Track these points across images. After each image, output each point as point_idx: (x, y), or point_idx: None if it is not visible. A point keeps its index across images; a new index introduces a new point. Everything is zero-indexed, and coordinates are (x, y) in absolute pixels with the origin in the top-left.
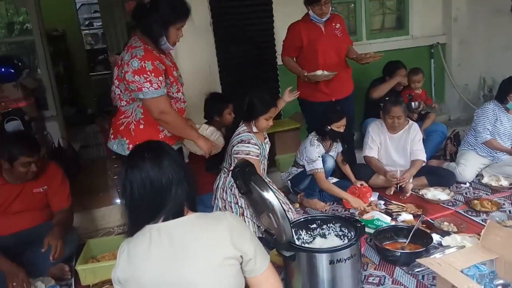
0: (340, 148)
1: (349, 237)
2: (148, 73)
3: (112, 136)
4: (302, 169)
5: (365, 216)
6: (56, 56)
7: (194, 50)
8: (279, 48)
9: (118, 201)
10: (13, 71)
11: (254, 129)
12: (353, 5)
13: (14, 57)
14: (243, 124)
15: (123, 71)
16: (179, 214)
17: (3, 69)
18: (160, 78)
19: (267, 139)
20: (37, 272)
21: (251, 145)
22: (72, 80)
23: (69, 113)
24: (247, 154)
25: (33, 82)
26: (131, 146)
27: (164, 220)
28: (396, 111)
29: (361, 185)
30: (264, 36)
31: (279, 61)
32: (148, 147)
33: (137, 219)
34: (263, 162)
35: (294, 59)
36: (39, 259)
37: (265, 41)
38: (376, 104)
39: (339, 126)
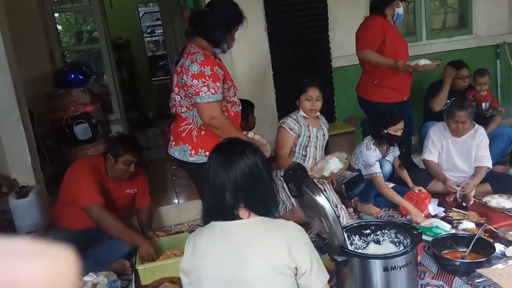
0: (397, 153)
1: (405, 244)
2: (207, 77)
3: (173, 143)
4: (357, 173)
5: (423, 223)
6: (121, 62)
7: (249, 55)
8: (334, 50)
9: (176, 201)
10: (81, 77)
11: (301, 113)
12: (412, 4)
13: (82, 64)
14: (297, 110)
15: (183, 78)
16: (238, 216)
17: (72, 76)
18: (218, 83)
19: (323, 130)
20: (100, 267)
21: (289, 118)
22: (135, 85)
23: (132, 117)
24: (282, 124)
25: (99, 88)
26: (193, 152)
27: (228, 220)
28: (461, 116)
29: (419, 191)
30: (319, 39)
31: (334, 64)
32: (232, 147)
33: (208, 212)
34: (312, 148)
35: None
36: (104, 255)
37: (320, 44)
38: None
39: (396, 130)
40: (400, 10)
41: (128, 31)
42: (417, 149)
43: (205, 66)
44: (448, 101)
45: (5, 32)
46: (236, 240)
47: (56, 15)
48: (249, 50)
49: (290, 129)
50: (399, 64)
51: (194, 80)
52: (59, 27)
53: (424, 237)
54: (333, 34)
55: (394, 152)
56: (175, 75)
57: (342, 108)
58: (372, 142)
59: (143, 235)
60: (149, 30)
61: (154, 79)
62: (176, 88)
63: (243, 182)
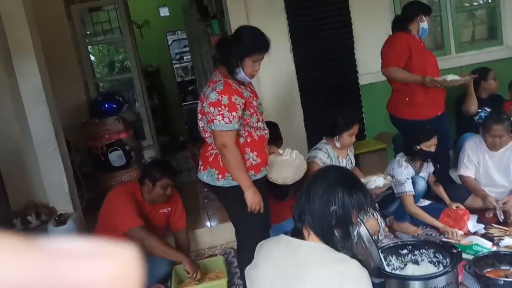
0: (432, 169)
1: (444, 264)
2: (223, 106)
3: (201, 168)
4: (391, 191)
5: (463, 242)
6: (151, 89)
7: (275, 76)
8: (360, 68)
9: (208, 224)
10: (115, 106)
11: (338, 145)
12: (439, 17)
13: (115, 93)
14: (325, 140)
15: (203, 105)
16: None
17: (106, 105)
18: (234, 113)
19: (350, 158)
20: None
21: (320, 152)
22: (165, 110)
23: (163, 142)
24: (314, 158)
25: (132, 115)
26: (220, 176)
27: (295, 235)
28: (497, 130)
29: (457, 207)
30: (345, 58)
31: (361, 81)
32: (324, 173)
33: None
34: None
35: None
36: None
37: (346, 62)
38: (470, 118)
39: (430, 146)
40: (424, 24)
41: (158, 59)
42: (454, 163)
43: (223, 95)
44: (480, 110)
45: (42, 66)
46: (296, 259)
47: (89, 47)
48: (275, 71)
49: (323, 163)
50: (427, 79)
51: (211, 107)
52: (92, 58)
53: (464, 255)
54: (358, 52)
55: (428, 168)
56: (199, 102)
57: (372, 125)
58: (404, 159)
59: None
60: (177, 57)
61: (184, 103)
62: (199, 114)
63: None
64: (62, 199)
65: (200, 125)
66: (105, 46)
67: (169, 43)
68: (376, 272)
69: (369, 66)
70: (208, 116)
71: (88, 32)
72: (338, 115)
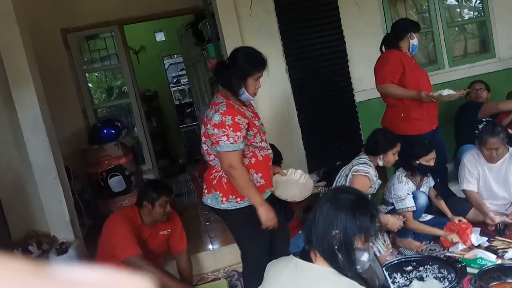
0: (432, 183)
1: (449, 279)
2: (227, 127)
3: (206, 191)
4: (392, 207)
5: (467, 256)
6: (150, 113)
7: (272, 97)
8: (356, 86)
9: (210, 247)
10: (114, 132)
11: (380, 163)
12: (430, 33)
13: (114, 118)
14: (366, 156)
15: (207, 127)
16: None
17: (105, 131)
18: (238, 133)
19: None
20: None
21: (371, 168)
22: (164, 134)
23: (163, 165)
24: (367, 173)
25: (131, 140)
26: (224, 199)
27: (304, 257)
28: (493, 143)
29: (459, 221)
30: (340, 76)
31: (358, 98)
32: (333, 195)
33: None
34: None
35: None
36: None
37: (341, 80)
38: (473, 128)
39: (429, 160)
40: (414, 41)
41: (155, 83)
42: (454, 176)
43: (226, 116)
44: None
45: (41, 95)
46: (304, 282)
47: (87, 74)
48: (272, 91)
49: (372, 181)
50: (422, 95)
51: (215, 129)
52: (90, 85)
53: (469, 269)
54: (353, 70)
55: (429, 183)
56: (202, 125)
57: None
58: (404, 175)
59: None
60: (174, 80)
61: (182, 126)
62: (203, 137)
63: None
64: (63, 228)
65: (204, 148)
66: (102, 73)
67: (166, 67)
68: None
69: (364, 83)
70: (212, 138)
71: (85, 60)
72: (381, 135)
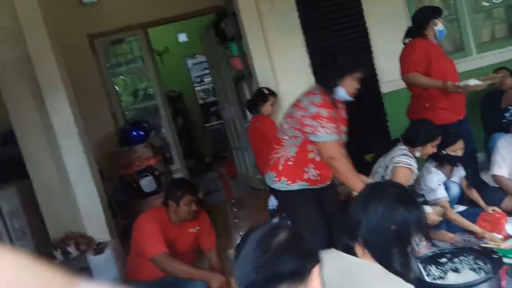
0: (463, 173)
1: (485, 270)
2: (323, 119)
3: (267, 170)
4: (423, 199)
5: (503, 246)
6: (175, 113)
7: (296, 92)
8: (381, 77)
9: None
10: (143, 133)
11: (418, 154)
12: (456, 21)
13: (142, 120)
14: (405, 147)
15: (298, 112)
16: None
17: (134, 133)
18: (333, 125)
19: None
20: None
21: (414, 161)
22: (190, 133)
23: (190, 164)
24: (410, 166)
25: (159, 141)
26: (276, 179)
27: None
28: None
29: (493, 211)
30: (365, 68)
31: (383, 89)
32: (382, 188)
33: None
34: None
35: None
36: None
37: (365, 72)
38: (500, 117)
39: (456, 150)
40: (439, 27)
41: (180, 83)
42: (485, 166)
43: (322, 108)
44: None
45: (72, 100)
46: (353, 278)
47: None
48: (295, 86)
49: (413, 172)
50: (448, 85)
51: (311, 120)
52: (117, 88)
53: (505, 260)
54: (378, 61)
55: (459, 173)
56: (294, 107)
57: (396, 132)
58: (433, 165)
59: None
60: (198, 80)
61: (207, 125)
62: (287, 118)
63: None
64: (99, 228)
65: (284, 126)
66: (128, 76)
67: (189, 67)
68: (416, 284)
69: (389, 74)
70: (307, 128)
71: (112, 64)
72: (421, 126)
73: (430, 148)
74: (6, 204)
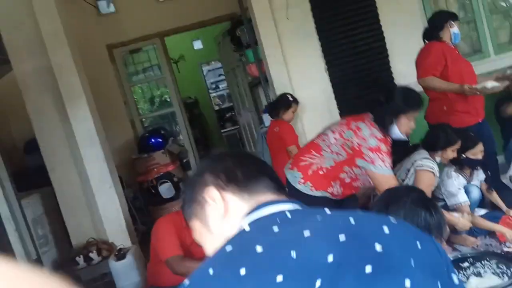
0: (483, 176)
1: (509, 275)
2: (383, 153)
3: (290, 166)
4: (443, 203)
5: None
6: (192, 120)
7: (313, 97)
8: (398, 80)
9: None
10: (161, 140)
11: (438, 160)
12: (473, 22)
13: (160, 128)
14: (426, 152)
15: (355, 139)
16: None
17: (153, 140)
18: (390, 160)
19: None
20: None
21: (435, 164)
22: (207, 139)
23: None
24: (432, 169)
25: (177, 147)
26: (302, 181)
27: None
28: None
29: None
30: (381, 72)
31: None
32: (402, 193)
33: None
34: None
35: None
36: None
37: (382, 76)
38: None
39: (476, 153)
40: (455, 29)
41: (195, 90)
42: (505, 169)
43: (382, 143)
44: None
45: (93, 110)
46: None
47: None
48: (312, 92)
49: (435, 179)
50: (466, 88)
51: (372, 152)
52: (135, 96)
53: None
54: (394, 64)
55: (479, 176)
56: (342, 126)
57: (415, 137)
58: (453, 169)
59: None
60: (213, 86)
61: (223, 130)
62: (337, 134)
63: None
64: (120, 235)
65: (330, 137)
66: (146, 84)
67: (204, 74)
68: None
69: (407, 77)
70: (366, 156)
71: (130, 72)
72: (440, 131)
73: (450, 153)
74: (30, 212)
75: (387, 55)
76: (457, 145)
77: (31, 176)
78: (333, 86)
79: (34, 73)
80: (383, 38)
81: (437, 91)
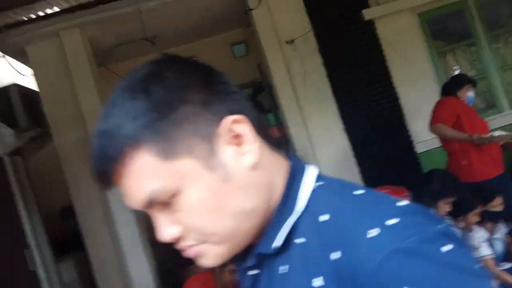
0: (506, 229)
1: None
2: None
3: None
4: None
5: None
6: None
7: (332, 156)
8: (415, 137)
9: None
10: None
11: (462, 225)
12: (485, 79)
13: None
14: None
15: None
16: None
17: None
18: None
19: None
20: None
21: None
22: None
23: None
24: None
25: None
26: None
27: None
28: None
29: None
30: (398, 131)
31: (419, 149)
32: None
33: None
34: None
35: None
36: None
37: (399, 134)
38: None
39: (495, 206)
40: (471, 93)
41: None
42: None
43: None
44: None
45: None
46: None
47: None
48: (331, 151)
49: None
50: (474, 137)
51: None
52: None
53: None
54: (411, 122)
55: (502, 229)
56: None
57: None
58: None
59: None
60: None
61: None
62: None
63: None
64: None
65: None
66: None
67: None
68: None
69: (424, 134)
70: None
71: None
72: (461, 197)
73: (473, 217)
74: (65, 276)
75: (402, 114)
76: (478, 209)
77: (68, 242)
78: (352, 144)
79: (74, 144)
80: (397, 98)
81: (447, 140)
